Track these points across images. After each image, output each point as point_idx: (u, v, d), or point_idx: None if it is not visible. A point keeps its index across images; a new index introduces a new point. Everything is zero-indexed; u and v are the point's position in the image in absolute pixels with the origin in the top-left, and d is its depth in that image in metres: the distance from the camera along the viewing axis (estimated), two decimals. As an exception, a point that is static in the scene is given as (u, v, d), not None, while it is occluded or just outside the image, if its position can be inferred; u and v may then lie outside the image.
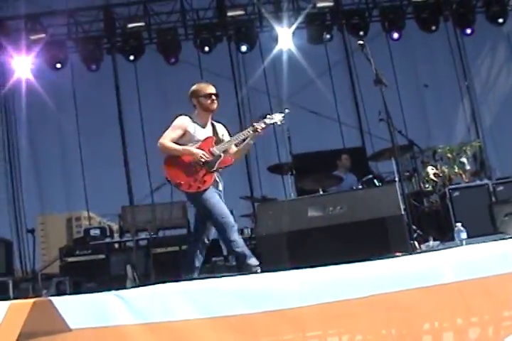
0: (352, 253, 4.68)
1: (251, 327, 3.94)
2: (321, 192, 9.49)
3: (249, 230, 11.56)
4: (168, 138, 6.73)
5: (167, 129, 6.82)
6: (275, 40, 14.47)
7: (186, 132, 6.76)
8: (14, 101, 14.63)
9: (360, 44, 6.74)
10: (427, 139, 12.72)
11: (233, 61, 15.02)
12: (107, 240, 11.86)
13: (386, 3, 14.88)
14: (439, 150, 10.51)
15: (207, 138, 6.83)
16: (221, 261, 11.62)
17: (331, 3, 14.36)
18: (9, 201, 14.50)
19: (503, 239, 4.60)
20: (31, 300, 4.00)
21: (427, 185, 10.25)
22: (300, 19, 14.27)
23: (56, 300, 4.00)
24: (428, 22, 14.45)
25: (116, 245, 11.94)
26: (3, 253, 10.67)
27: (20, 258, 13.68)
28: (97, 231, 11.95)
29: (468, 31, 14.50)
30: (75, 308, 4.00)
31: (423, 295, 3.96)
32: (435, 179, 10.21)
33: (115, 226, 13.16)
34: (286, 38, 14.36)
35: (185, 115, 6.88)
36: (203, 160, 6.61)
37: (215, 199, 6.63)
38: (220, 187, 6.82)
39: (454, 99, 15.12)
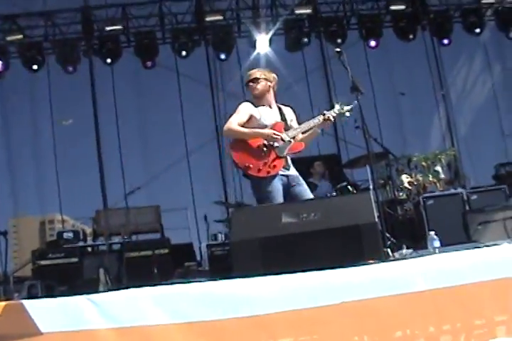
0: (325, 260, 4.68)
1: (222, 333, 3.93)
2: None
3: (223, 235, 11.57)
4: (234, 123, 6.43)
5: (231, 116, 6.55)
6: (253, 45, 14.49)
7: (252, 117, 6.51)
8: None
9: (337, 51, 6.72)
10: (402, 147, 12.81)
11: (210, 66, 15.01)
12: (80, 243, 11.80)
13: (364, 12, 14.97)
14: (414, 159, 10.57)
15: (276, 123, 6.58)
16: (194, 266, 11.64)
17: (309, 11, 14.41)
18: (-18, 203, 14.38)
19: (476, 247, 4.61)
20: (2, 303, 3.96)
21: (401, 193, 10.31)
22: (278, 25, 14.32)
23: (28, 303, 3.96)
24: (406, 31, 14.56)
25: (90, 249, 11.85)
26: (-25, 255, 10.58)
27: (-8, 261, 13.56)
28: (71, 235, 11.87)
29: (446, 42, 14.64)
30: (47, 312, 3.96)
31: (396, 302, 3.97)
32: (409, 187, 10.26)
33: (88, 230, 13.11)
34: (263, 43, 14.39)
35: (248, 101, 6.63)
36: (276, 138, 6.36)
37: (278, 195, 6.41)
38: (292, 172, 6.56)
39: (430, 108, 15.25)
